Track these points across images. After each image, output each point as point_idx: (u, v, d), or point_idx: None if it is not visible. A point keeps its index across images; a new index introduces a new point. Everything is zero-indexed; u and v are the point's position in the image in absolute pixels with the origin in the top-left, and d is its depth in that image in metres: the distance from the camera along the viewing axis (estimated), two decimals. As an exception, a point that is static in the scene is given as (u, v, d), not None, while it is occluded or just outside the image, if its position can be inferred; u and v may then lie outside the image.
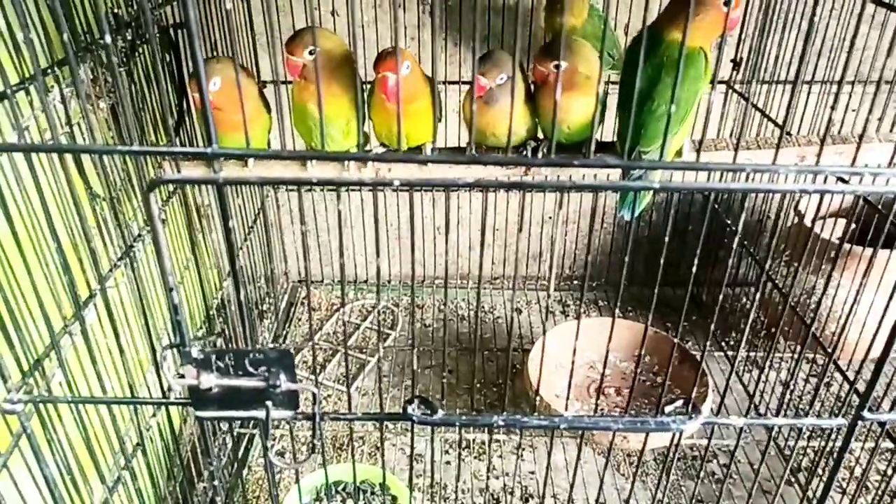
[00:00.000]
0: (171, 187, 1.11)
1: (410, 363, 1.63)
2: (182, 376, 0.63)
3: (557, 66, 0.86)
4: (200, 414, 0.66)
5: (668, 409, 0.66)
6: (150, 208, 0.54)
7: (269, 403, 0.65)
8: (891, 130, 1.14)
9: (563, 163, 0.50)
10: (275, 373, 0.63)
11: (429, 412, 0.67)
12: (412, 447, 0.76)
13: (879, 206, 1.12)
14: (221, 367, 0.63)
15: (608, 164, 0.51)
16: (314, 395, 0.66)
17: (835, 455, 0.93)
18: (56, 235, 0.69)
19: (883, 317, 0.92)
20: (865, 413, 0.68)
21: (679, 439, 0.69)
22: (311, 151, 0.88)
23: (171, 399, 0.67)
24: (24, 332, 0.72)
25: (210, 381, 0.63)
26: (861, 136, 0.76)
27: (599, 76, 0.89)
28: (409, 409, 0.67)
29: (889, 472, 1.32)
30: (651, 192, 1.00)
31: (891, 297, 0.70)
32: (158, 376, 0.65)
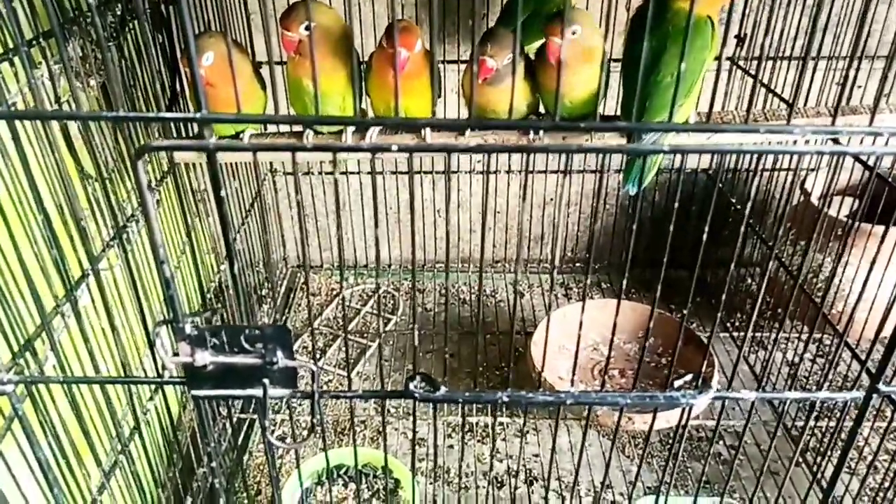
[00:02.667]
0: (165, 166, 1.09)
1: (412, 347, 1.61)
2: (176, 354, 0.61)
3: (574, 33, 0.83)
4: (195, 392, 0.64)
5: (677, 383, 0.64)
6: (138, 177, 0.51)
7: (266, 381, 0.63)
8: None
9: (570, 126, 0.48)
10: (271, 349, 0.61)
11: (431, 389, 0.65)
12: (414, 426, 0.74)
13: (890, 180, 1.10)
14: (216, 345, 0.61)
15: (617, 127, 0.49)
16: (313, 372, 0.64)
17: (844, 434, 0.91)
18: (45, 213, 0.67)
19: (894, 295, 0.90)
20: (881, 386, 0.66)
21: (688, 416, 0.67)
22: (305, 116, 0.85)
23: (165, 378, 0.65)
24: (14, 312, 0.70)
25: (205, 358, 0.61)
26: (875, 106, 0.74)
27: (603, 48, 0.87)
28: (412, 386, 0.65)
29: (898, 451, 1.31)
30: (657, 164, 0.97)
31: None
32: (152, 354, 0.63)
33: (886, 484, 1.24)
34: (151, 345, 0.61)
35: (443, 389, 0.64)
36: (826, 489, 0.73)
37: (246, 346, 0.61)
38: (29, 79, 0.60)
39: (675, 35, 0.87)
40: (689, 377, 0.64)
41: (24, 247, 0.72)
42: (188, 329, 0.60)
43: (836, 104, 0.89)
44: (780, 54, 1.44)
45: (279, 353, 0.62)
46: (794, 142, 1.26)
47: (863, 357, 0.98)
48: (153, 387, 1.00)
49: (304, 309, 1.78)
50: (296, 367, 0.62)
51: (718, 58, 1.46)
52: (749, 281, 1.79)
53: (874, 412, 1.32)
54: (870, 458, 1.30)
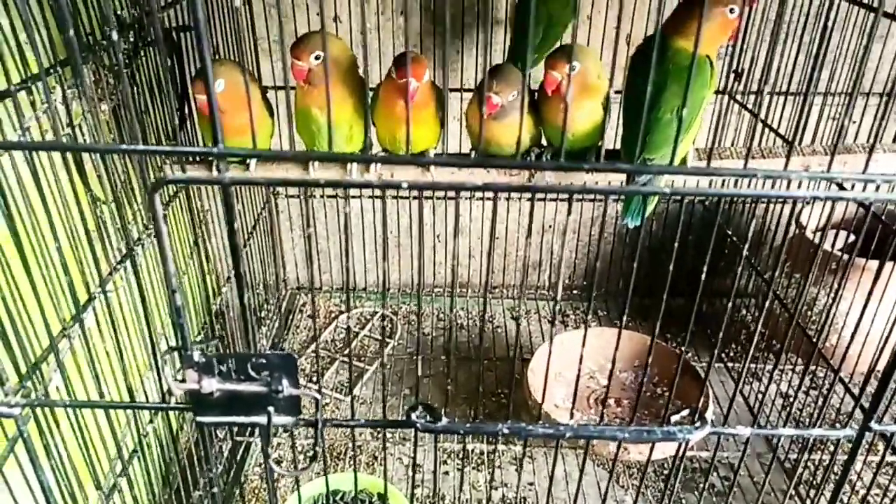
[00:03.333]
0: (171, 190, 1.10)
1: (409, 372, 1.62)
2: (183, 380, 0.62)
3: (573, 69, 0.86)
4: (201, 419, 0.65)
5: (674, 418, 0.66)
6: (154, 208, 0.53)
7: (270, 409, 0.64)
8: (893, 141, 1.14)
9: (572, 167, 0.50)
10: (277, 378, 0.62)
11: (432, 420, 0.66)
12: (415, 456, 0.75)
13: (883, 217, 1.12)
14: (223, 372, 0.62)
15: (618, 168, 0.51)
16: (317, 400, 0.65)
17: (837, 468, 0.92)
18: (56, 237, 0.69)
19: (890, 330, 0.92)
20: (873, 424, 0.67)
21: (685, 450, 0.68)
22: (315, 152, 0.87)
23: (171, 404, 0.66)
24: (23, 335, 0.71)
25: (211, 385, 0.62)
26: (871, 146, 0.76)
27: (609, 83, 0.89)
28: (413, 416, 0.66)
29: (892, 486, 1.32)
30: (656, 199, 0.99)
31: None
32: (159, 380, 0.64)
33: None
34: (159, 371, 0.62)
35: (444, 420, 0.65)
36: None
37: (252, 373, 0.62)
38: (49, 106, 0.62)
39: (675, 73, 0.89)
40: (685, 412, 0.65)
41: (35, 270, 0.73)
42: (196, 357, 0.61)
43: (833, 144, 0.91)
44: (777, 90, 1.48)
45: (284, 382, 0.63)
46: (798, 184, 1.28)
47: (856, 392, 0.99)
48: (151, 415, 1.01)
49: (302, 331, 1.78)
50: (300, 395, 0.63)
51: (716, 92, 1.48)
52: (744, 312, 1.81)
53: (867, 446, 1.33)
54: (862, 492, 1.31)
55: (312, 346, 1.71)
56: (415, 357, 1.67)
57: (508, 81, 0.89)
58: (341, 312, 1.83)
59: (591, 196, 1.72)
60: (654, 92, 0.90)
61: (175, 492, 1.15)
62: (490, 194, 1.67)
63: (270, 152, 0.51)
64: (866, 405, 0.68)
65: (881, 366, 0.81)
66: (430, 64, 1.55)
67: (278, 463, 1.38)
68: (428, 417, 0.66)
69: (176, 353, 0.62)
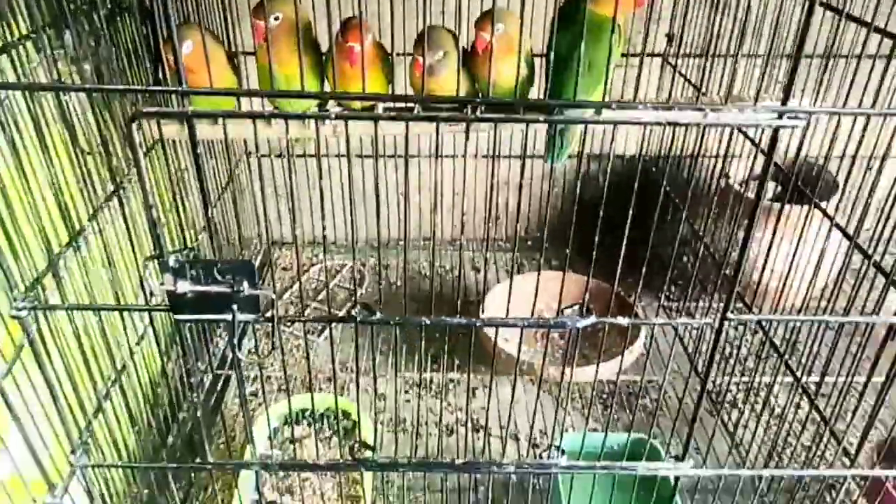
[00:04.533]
0: (149, 141, 1.23)
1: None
2: (162, 284, 0.76)
3: (498, 29, 1.00)
4: (178, 317, 0.79)
5: (566, 311, 0.81)
6: (132, 137, 0.66)
7: (235, 307, 0.79)
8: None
9: (501, 102, 0.64)
10: (239, 280, 0.77)
11: (368, 314, 0.81)
12: (357, 355, 0.89)
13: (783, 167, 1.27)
14: (194, 277, 0.77)
15: (537, 105, 0.66)
16: (272, 300, 0.79)
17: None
18: (53, 173, 0.82)
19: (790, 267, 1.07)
20: (729, 314, 0.83)
21: (578, 336, 0.83)
22: (272, 90, 1.01)
23: (154, 306, 0.80)
24: (28, 255, 0.84)
25: (185, 287, 0.76)
26: (756, 96, 0.91)
27: (520, 41, 1.04)
28: (353, 312, 0.81)
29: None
30: (573, 141, 1.14)
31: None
32: (142, 286, 0.78)
33: None
34: (141, 278, 0.76)
35: (378, 315, 0.80)
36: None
37: (218, 277, 0.77)
38: (52, 54, 0.75)
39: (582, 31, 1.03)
40: (576, 307, 0.81)
41: (37, 197, 0.87)
42: (171, 262, 0.75)
43: (726, 94, 1.07)
44: (707, 52, 1.62)
45: (245, 284, 0.77)
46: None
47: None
48: (140, 333, 1.15)
49: (277, 282, 1.93)
50: (258, 294, 0.78)
51: (651, 55, 1.62)
52: (685, 259, 1.97)
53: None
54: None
55: (286, 295, 1.85)
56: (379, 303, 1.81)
57: (432, 44, 1.03)
58: (313, 265, 1.97)
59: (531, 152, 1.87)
60: (567, 49, 1.04)
61: (164, 417, 1.30)
62: (440, 142, 1.82)
63: (228, 90, 0.64)
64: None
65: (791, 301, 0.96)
66: (386, 28, 1.68)
67: (254, 395, 1.53)
68: (365, 313, 0.81)
69: (155, 262, 0.76)
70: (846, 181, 0.99)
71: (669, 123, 0.67)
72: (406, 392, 1.57)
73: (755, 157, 1.63)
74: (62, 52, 1.00)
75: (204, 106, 0.71)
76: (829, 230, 1.07)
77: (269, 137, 1.65)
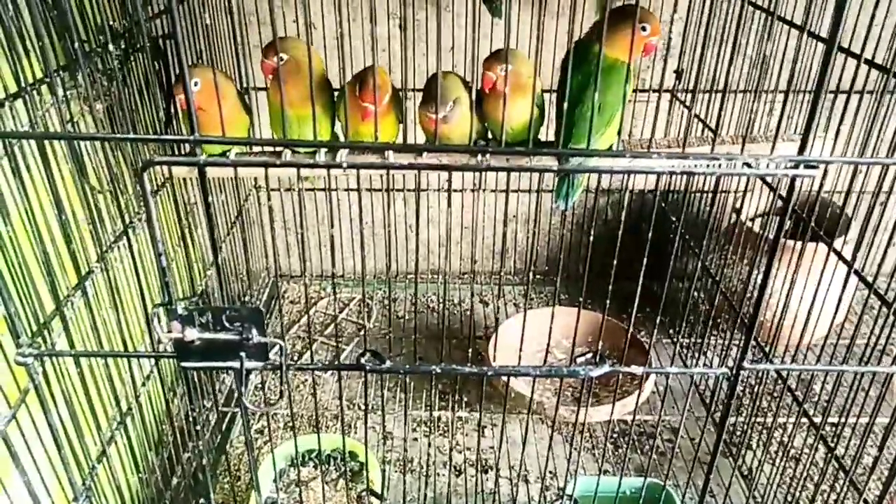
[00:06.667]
0: (159, 181, 1.23)
1: (382, 350, 1.75)
2: (169, 331, 0.75)
3: (504, 70, 1.00)
4: (185, 364, 0.78)
5: (579, 360, 0.79)
6: (143, 184, 0.66)
7: (242, 355, 0.77)
8: (795, 131, 1.28)
9: (511, 151, 0.63)
10: (247, 328, 0.75)
11: (378, 362, 0.79)
12: (367, 402, 0.88)
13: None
14: (202, 323, 0.75)
15: (544, 152, 0.64)
16: (281, 347, 0.78)
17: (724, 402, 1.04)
18: (63, 218, 0.81)
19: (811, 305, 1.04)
20: (745, 364, 0.81)
21: (590, 385, 0.81)
22: (283, 139, 1.01)
23: (160, 352, 0.79)
24: (34, 300, 0.84)
25: (192, 334, 0.75)
26: (775, 136, 0.90)
27: (535, 81, 1.03)
28: (363, 360, 0.79)
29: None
30: (582, 184, 1.13)
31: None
32: (150, 332, 0.77)
33: None
34: (149, 324, 0.75)
35: (388, 364, 0.78)
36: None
37: (226, 324, 0.75)
38: (59, 104, 0.75)
39: (595, 74, 1.03)
40: (589, 355, 0.79)
41: (48, 243, 0.86)
42: (180, 310, 0.74)
43: (744, 135, 1.06)
44: (715, 88, 1.61)
45: (254, 331, 0.76)
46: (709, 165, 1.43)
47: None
48: (146, 373, 1.13)
49: (284, 316, 1.91)
50: (267, 342, 0.76)
51: (658, 91, 1.62)
52: (695, 295, 1.95)
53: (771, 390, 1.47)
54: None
55: (294, 329, 1.84)
56: (388, 336, 1.80)
57: (442, 99, 1.03)
58: (321, 298, 1.96)
59: (536, 187, 1.86)
60: (578, 90, 1.04)
61: (168, 457, 1.28)
62: (451, 187, 1.82)
63: (240, 139, 0.64)
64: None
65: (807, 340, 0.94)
66: (397, 65, 1.69)
67: (260, 433, 1.51)
68: (375, 361, 0.80)
69: (163, 309, 0.74)
70: (864, 225, 0.97)
71: (685, 173, 0.66)
72: (414, 430, 1.55)
73: (769, 195, 1.62)
74: (74, 93, 1.01)
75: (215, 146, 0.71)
76: (848, 274, 1.05)
77: (279, 176, 1.65)
